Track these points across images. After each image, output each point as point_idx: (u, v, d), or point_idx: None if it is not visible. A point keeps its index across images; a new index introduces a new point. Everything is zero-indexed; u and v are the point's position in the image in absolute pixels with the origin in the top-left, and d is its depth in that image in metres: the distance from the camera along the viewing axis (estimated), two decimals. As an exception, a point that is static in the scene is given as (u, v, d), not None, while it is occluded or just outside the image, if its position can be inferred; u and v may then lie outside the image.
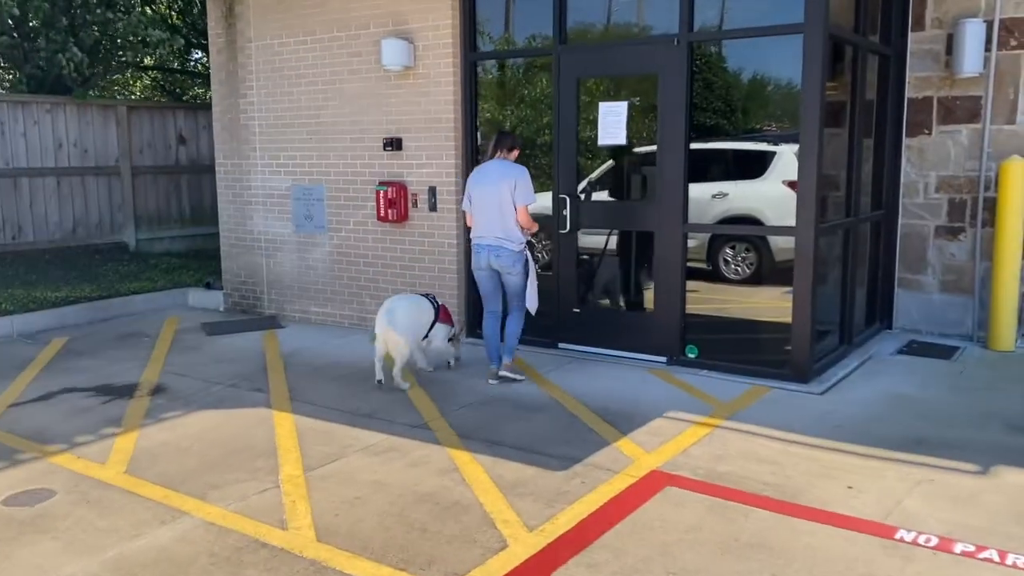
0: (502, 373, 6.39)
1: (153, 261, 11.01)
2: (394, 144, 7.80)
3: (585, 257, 7.35)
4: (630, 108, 6.84)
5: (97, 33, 10.98)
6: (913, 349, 7.18)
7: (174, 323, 8.72)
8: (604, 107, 6.88)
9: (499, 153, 6.25)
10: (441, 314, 6.64)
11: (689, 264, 6.71)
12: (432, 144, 7.67)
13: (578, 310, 7.21)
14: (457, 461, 4.81)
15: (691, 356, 6.71)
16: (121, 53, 12.88)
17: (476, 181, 6.28)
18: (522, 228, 6.19)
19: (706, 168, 7.83)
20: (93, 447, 5.14)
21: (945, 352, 7.06)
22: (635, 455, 4.87)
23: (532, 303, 6.35)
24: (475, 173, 6.37)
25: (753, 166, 8.12)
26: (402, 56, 7.50)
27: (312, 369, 6.85)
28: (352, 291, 8.39)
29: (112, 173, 11.45)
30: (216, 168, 9.29)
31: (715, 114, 7.65)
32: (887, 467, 4.67)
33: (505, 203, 6.12)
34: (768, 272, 7.38)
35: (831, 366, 6.58)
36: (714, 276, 7.71)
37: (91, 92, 12.08)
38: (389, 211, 7.82)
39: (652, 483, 4.48)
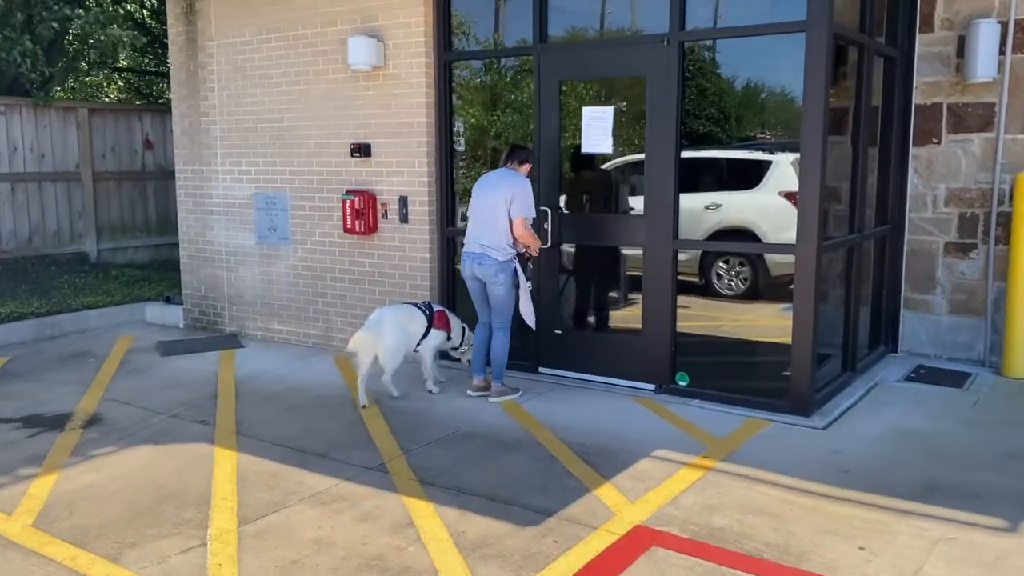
0: (491, 400, 6.04)
1: (114, 272, 10.39)
2: (362, 150, 7.22)
3: (568, 275, 6.79)
4: (616, 114, 6.29)
5: (56, 28, 10.34)
6: (921, 375, 6.63)
7: (127, 342, 8.11)
8: (588, 113, 6.32)
9: (509, 163, 6.00)
10: (436, 320, 6.25)
11: (680, 278, 6.16)
12: (403, 151, 7.10)
13: (560, 332, 6.64)
14: (414, 514, 4.22)
15: (682, 384, 6.14)
16: (87, 53, 12.26)
17: (477, 187, 6.07)
18: (515, 241, 5.92)
19: (698, 178, 7.47)
20: (3, 493, 4.53)
21: (956, 379, 6.51)
22: (618, 506, 4.29)
23: (529, 317, 6.07)
24: (479, 180, 6.10)
25: (748, 176, 7.66)
26: (370, 55, 6.92)
27: (266, 397, 6.26)
28: (317, 308, 7.81)
29: (72, 179, 10.84)
30: (176, 175, 8.69)
31: (708, 121, 7.19)
32: (901, 521, 4.11)
33: (498, 212, 5.83)
34: (764, 287, 6.89)
35: (834, 395, 6.02)
36: (706, 291, 7.17)
37: (55, 93, 11.46)
38: (356, 222, 7.24)
39: (635, 542, 3.90)
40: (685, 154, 6.17)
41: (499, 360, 6.08)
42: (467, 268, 6.04)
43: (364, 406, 5.89)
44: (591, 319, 6.93)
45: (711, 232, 7.44)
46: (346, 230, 7.33)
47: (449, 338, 6.39)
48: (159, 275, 10.43)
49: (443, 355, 6.66)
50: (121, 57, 13.80)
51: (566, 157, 6.68)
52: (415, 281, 7.19)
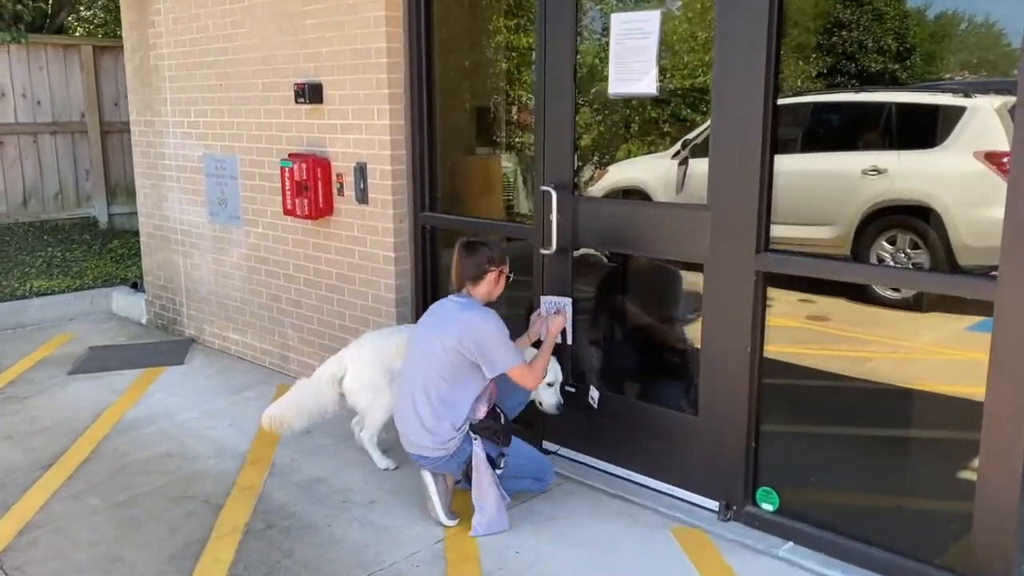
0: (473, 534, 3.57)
1: (113, 243, 8.67)
2: (308, 93, 4.86)
3: (585, 299, 4.19)
4: (667, 24, 3.59)
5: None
6: None
7: (52, 347, 6.26)
8: (620, 22, 3.63)
9: (464, 284, 3.62)
10: None
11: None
12: (360, 94, 4.68)
13: (572, 389, 4.08)
14: None
15: (767, 509, 3.48)
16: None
17: (418, 325, 3.76)
18: (478, 405, 3.57)
19: (851, 131, 4.92)
20: None
21: None
22: None
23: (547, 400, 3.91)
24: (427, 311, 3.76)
25: (927, 129, 4.98)
26: (309, -54, 4.52)
27: (120, 468, 4.15)
28: (272, 316, 5.61)
29: (76, 131, 9.15)
30: (131, 127, 6.69)
31: (883, 56, 4.77)
32: None
33: (432, 374, 3.48)
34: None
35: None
36: (857, 292, 4.41)
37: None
38: (298, 201, 4.92)
39: None
40: (834, 96, 4.31)
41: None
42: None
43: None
44: (621, 375, 4.28)
45: (870, 207, 4.92)
46: (286, 211, 5.03)
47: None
48: (162, 248, 8.62)
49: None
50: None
51: (587, 103, 4.08)
52: (378, 291, 4.81)
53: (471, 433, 3.49)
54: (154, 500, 3.83)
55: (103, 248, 8.52)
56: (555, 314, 3.83)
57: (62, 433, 4.60)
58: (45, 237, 8.71)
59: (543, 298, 3.96)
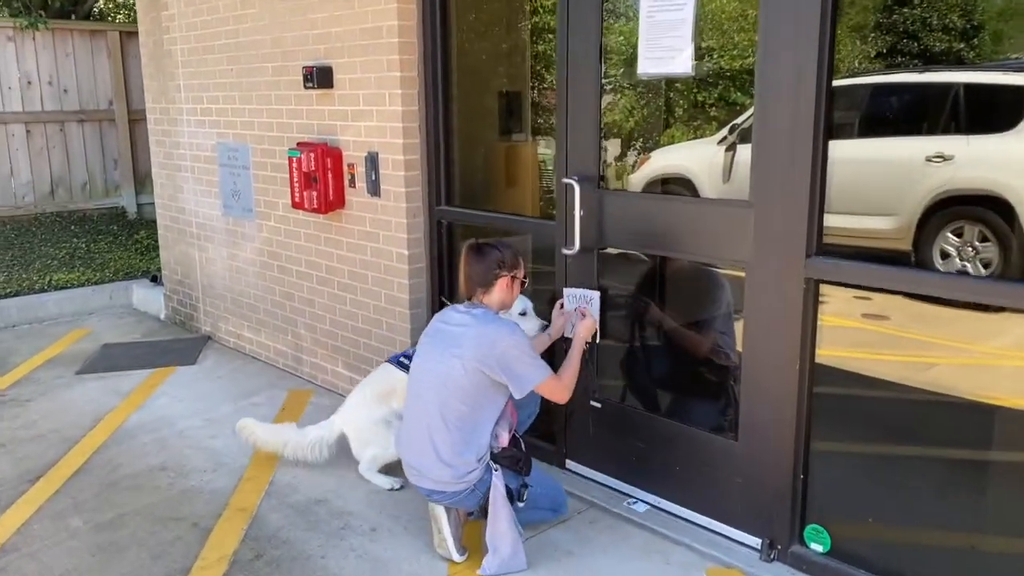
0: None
1: (140, 235, 8.46)
2: (318, 77, 4.50)
3: (617, 303, 3.76)
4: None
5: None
6: None
7: (67, 342, 6.04)
8: (650, -5, 3.19)
9: (474, 291, 3.20)
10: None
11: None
12: (371, 77, 4.30)
13: (599, 404, 3.67)
14: None
15: (816, 549, 3.03)
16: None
17: (420, 342, 3.31)
18: (499, 432, 3.15)
19: (914, 114, 4.50)
20: None
21: None
22: None
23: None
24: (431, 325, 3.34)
25: (998, 112, 4.51)
26: (315, -84, 4.15)
27: (111, 483, 3.86)
28: (285, 315, 5.29)
29: (104, 119, 8.95)
30: (147, 115, 6.42)
31: (947, 34, 4.35)
32: None
33: (450, 399, 3.06)
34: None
35: None
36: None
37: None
38: (306, 194, 4.57)
39: None
40: (895, 77, 3.86)
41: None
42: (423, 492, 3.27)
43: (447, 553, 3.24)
44: (650, 389, 3.83)
45: (934, 198, 4.49)
46: (294, 205, 4.69)
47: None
48: (188, 239, 8.38)
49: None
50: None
51: (614, 83, 3.65)
52: (391, 291, 4.44)
53: (491, 463, 3.10)
54: (140, 521, 3.53)
55: (129, 239, 8.31)
56: (583, 317, 3.42)
57: (57, 441, 4.33)
58: (72, 228, 8.53)
59: (566, 290, 3.56)
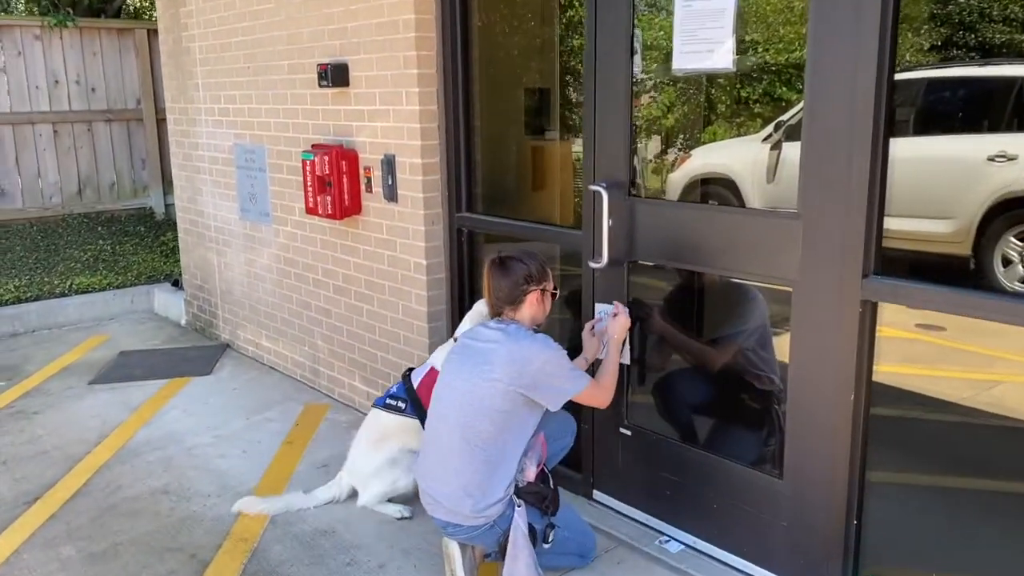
0: None
1: (167, 236, 8.32)
2: (333, 75, 4.24)
3: (649, 320, 3.43)
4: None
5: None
6: None
7: (84, 349, 5.88)
8: (687, -20, 2.87)
9: (501, 309, 2.94)
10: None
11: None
12: (387, 73, 4.03)
13: (628, 432, 3.35)
14: None
15: (869, 603, 2.70)
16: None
17: (447, 359, 3.01)
18: (526, 464, 2.88)
19: (973, 112, 4.36)
20: None
21: None
22: None
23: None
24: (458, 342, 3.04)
25: None
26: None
27: (107, 508, 3.64)
28: (303, 324, 5.05)
29: (132, 118, 8.82)
30: (167, 114, 6.24)
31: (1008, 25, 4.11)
32: None
33: (477, 423, 2.77)
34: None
35: None
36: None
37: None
38: (320, 199, 4.32)
39: None
40: (954, 71, 3.80)
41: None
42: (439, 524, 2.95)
43: None
44: (683, 415, 3.49)
45: (996, 199, 4.24)
46: (308, 210, 4.44)
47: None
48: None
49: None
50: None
51: (652, 79, 3.34)
52: (408, 302, 4.17)
53: (514, 498, 2.81)
54: (135, 551, 3.30)
55: (155, 241, 8.17)
56: (614, 316, 3.11)
57: (60, 459, 4.14)
58: (99, 229, 8.41)
59: (598, 307, 3.26)
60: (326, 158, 4.21)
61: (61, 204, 8.54)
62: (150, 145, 8.93)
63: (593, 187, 3.16)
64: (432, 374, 3.25)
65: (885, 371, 2.89)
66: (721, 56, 2.78)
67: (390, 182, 4.07)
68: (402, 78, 3.92)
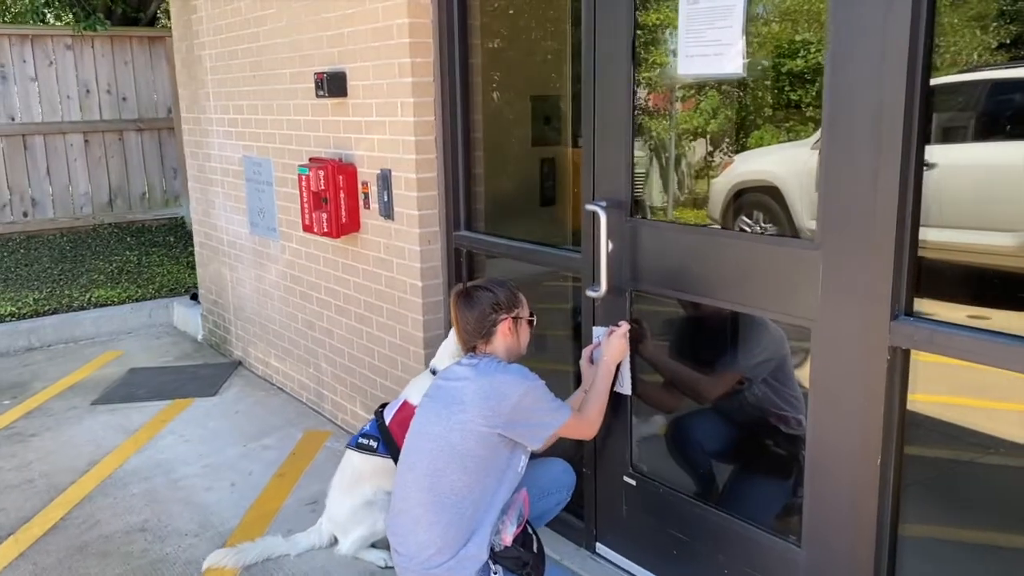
0: None
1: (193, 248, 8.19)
2: (329, 85, 3.97)
3: (647, 359, 3.06)
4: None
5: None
6: None
7: (96, 365, 5.74)
8: (693, -27, 2.51)
9: (474, 343, 2.68)
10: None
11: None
12: (383, 82, 3.75)
13: (633, 481, 3.00)
14: None
15: None
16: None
17: (420, 405, 2.73)
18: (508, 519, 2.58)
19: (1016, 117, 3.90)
20: None
21: None
22: None
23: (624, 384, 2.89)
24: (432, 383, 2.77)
25: None
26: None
27: (77, 549, 3.42)
28: (308, 345, 4.81)
29: (163, 128, 8.77)
30: (182, 124, 6.08)
31: None
32: None
33: (449, 472, 2.49)
34: None
35: None
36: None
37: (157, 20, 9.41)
38: (315, 215, 4.05)
39: None
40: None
41: None
42: None
43: None
44: (701, 463, 3.11)
45: None
46: (304, 228, 4.18)
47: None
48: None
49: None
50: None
51: (650, 85, 2.99)
52: (405, 327, 3.88)
53: (490, 563, 2.48)
54: (98, 598, 3.07)
55: (183, 251, 8.05)
56: (609, 335, 2.78)
57: (44, 488, 3.95)
58: (128, 239, 8.35)
59: (595, 331, 2.92)
60: (321, 173, 3.95)
61: (92, 214, 8.50)
62: (181, 154, 8.81)
63: (590, 206, 2.82)
64: (405, 408, 2.96)
65: (921, 401, 2.50)
66: (730, 60, 2.41)
67: (386, 198, 3.79)
68: (397, 87, 3.63)
